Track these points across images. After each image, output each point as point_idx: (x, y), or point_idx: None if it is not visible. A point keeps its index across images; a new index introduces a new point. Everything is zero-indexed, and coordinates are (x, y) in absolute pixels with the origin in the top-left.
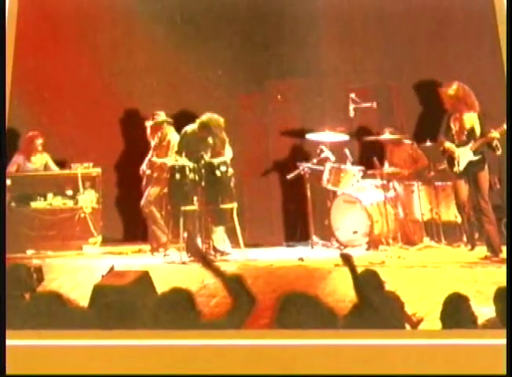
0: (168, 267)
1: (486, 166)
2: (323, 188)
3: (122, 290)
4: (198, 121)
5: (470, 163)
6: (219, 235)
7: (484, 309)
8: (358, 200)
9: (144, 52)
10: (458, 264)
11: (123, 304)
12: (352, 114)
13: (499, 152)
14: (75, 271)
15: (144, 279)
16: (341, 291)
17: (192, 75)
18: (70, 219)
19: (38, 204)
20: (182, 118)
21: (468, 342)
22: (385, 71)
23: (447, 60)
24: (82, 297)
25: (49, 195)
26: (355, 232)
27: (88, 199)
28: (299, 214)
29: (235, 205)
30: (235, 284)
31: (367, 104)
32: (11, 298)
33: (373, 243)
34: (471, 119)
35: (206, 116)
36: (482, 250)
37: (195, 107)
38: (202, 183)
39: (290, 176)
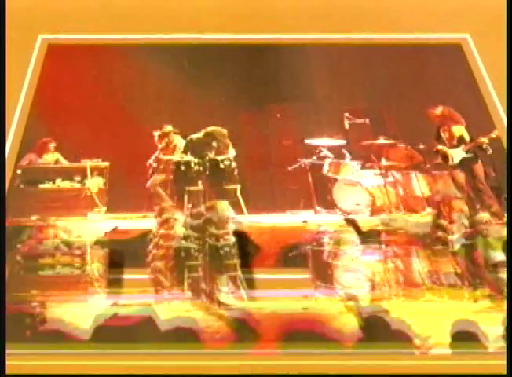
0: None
1: (479, 161)
2: (323, 175)
3: (125, 242)
4: (203, 131)
5: (464, 159)
6: (223, 206)
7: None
8: (358, 183)
9: (154, 86)
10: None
11: (125, 252)
12: (347, 126)
13: (489, 152)
14: (78, 229)
15: (148, 235)
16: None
17: (198, 101)
18: (76, 196)
19: (46, 186)
20: (188, 131)
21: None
22: (374, 99)
23: (430, 92)
24: (83, 245)
25: (58, 180)
26: (357, 204)
27: (95, 183)
28: (302, 192)
29: (238, 186)
30: (238, 238)
31: (361, 120)
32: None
33: (376, 212)
34: (459, 130)
35: (210, 128)
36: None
37: (201, 123)
38: (207, 172)
39: (291, 167)
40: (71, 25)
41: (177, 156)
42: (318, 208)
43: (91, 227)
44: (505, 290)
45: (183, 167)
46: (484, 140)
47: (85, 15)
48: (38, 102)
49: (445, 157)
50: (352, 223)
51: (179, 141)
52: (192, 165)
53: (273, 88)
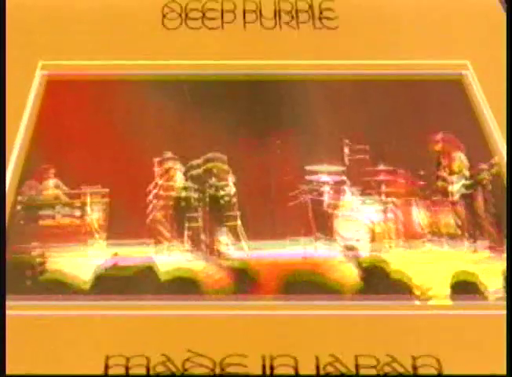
0: (171, 258)
1: (480, 196)
2: (323, 210)
3: (125, 278)
4: (202, 157)
5: (463, 196)
6: (223, 240)
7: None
8: (358, 219)
9: (155, 118)
10: (462, 261)
11: (126, 287)
12: (347, 152)
13: (489, 188)
14: (78, 255)
15: (148, 269)
16: (347, 277)
17: (198, 129)
18: (76, 226)
19: (46, 217)
20: (188, 159)
21: (478, 312)
22: (373, 127)
23: (430, 120)
24: (83, 275)
25: (58, 207)
26: (357, 231)
27: (95, 211)
28: (301, 224)
29: (239, 222)
30: (238, 271)
31: (360, 146)
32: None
33: (376, 238)
34: (459, 156)
35: (210, 153)
36: (485, 253)
37: (201, 150)
38: (207, 208)
39: (291, 203)
40: (72, 57)
41: (176, 192)
42: (318, 234)
43: (91, 255)
44: None
45: (183, 203)
46: (484, 175)
47: (86, 47)
48: (38, 131)
49: (445, 189)
50: (351, 249)
51: (178, 166)
52: (192, 201)
53: (273, 120)
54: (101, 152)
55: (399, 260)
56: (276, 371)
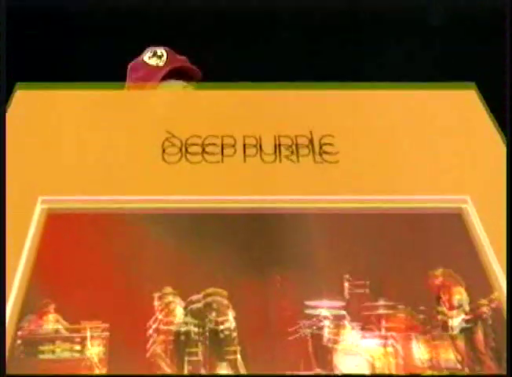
0: None
1: (480, 331)
2: (323, 345)
3: None
4: (202, 292)
5: (463, 330)
6: (223, 371)
7: None
8: (358, 353)
9: (154, 247)
10: None
11: None
12: (347, 288)
13: (489, 322)
14: None
15: None
16: None
17: (198, 263)
18: (76, 362)
19: (45, 357)
20: (188, 292)
21: None
22: (374, 261)
23: (430, 255)
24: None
25: (58, 342)
26: (357, 365)
27: (95, 345)
28: (301, 359)
29: (238, 356)
30: None
31: (361, 282)
32: None
33: (376, 371)
34: (459, 291)
35: (210, 288)
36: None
37: (200, 285)
38: (207, 343)
39: (291, 338)
40: (72, 192)
41: (176, 326)
42: (318, 370)
43: None
44: None
45: (182, 337)
46: (484, 310)
47: (86, 182)
48: (38, 266)
49: (445, 323)
50: None
51: (178, 301)
52: (192, 336)
53: (273, 254)
54: (101, 287)
55: None
56: None
